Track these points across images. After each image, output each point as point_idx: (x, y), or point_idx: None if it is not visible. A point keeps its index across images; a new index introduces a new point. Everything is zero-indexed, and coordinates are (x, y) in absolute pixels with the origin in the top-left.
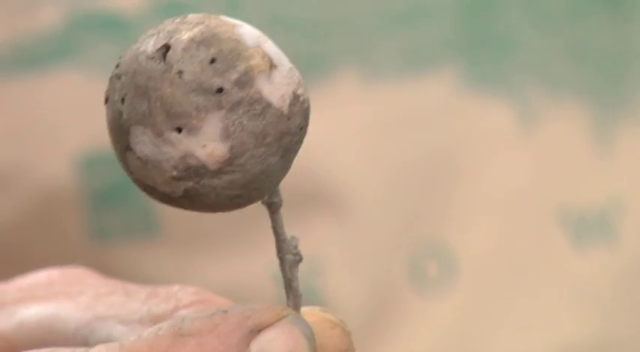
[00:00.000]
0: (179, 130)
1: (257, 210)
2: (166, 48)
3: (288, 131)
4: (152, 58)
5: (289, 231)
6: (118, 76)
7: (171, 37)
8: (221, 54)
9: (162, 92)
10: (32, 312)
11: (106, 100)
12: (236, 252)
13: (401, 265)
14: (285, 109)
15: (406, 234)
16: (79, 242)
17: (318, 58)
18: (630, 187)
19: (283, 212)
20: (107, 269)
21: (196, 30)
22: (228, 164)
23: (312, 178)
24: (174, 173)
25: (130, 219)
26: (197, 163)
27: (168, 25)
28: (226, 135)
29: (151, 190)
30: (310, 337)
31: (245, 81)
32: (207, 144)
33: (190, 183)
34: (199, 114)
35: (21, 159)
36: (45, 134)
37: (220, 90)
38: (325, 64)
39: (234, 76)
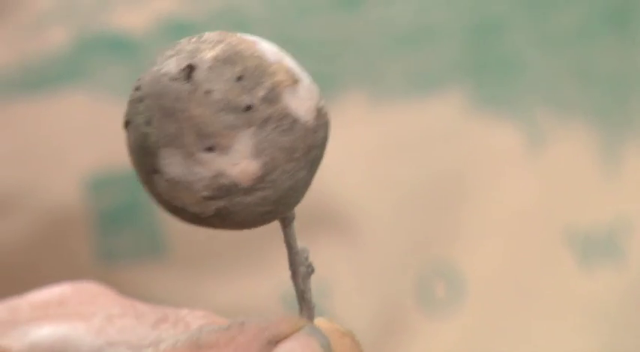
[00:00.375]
0: (210, 150)
1: (264, 232)
2: (191, 68)
3: (314, 144)
4: (176, 78)
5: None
6: (140, 99)
7: (194, 57)
8: (247, 71)
9: (191, 113)
10: (45, 333)
11: (127, 124)
12: (244, 274)
13: (408, 286)
14: (311, 123)
15: (413, 255)
16: (87, 263)
17: (326, 79)
18: (637, 207)
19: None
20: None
21: (218, 48)
22: (260, 181)
23: (320, 199)
24: (206, 193)
25: (138, 241)
26: (229, 182)
27: (187, 44)
28: (257, 152)
29: (180, 211)
30: (327, 348)
31: (272, 97)
32: (239, 162)
33: (222, 203)
34: (230, 133)
35: (29, 181)
36: (53, 155)
37: (249, 107)
38: (333, 85)
39: (261, 92)
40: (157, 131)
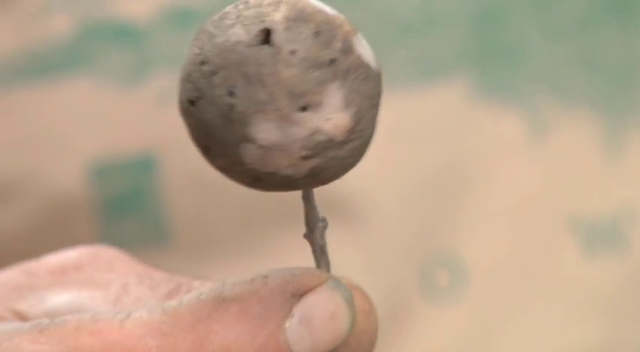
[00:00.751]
0: (304, 109)
1: (267, 218)
2: (267, 32)
3: (381, 90)
4: (253, 45)
5: (296, 240)
6: (212, 72)
7: (262, 21)
8: (320, 26)
9: (281, 75)
10: (62, 300)
11: (194, 101)
12: (247, 260)
13: (412, 273)
14: (377, 69)
15: (418, 243)
16: None
17: None
18: None
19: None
20: None
21: (284, 9)
22: (351, 132)
23: (325, 187)
24: (303, 153)
25: (141, 228)
26: (325, 138)
27: (242, 10)
28: (346, 103)
29: (267, 178)
30: (350, 301)
31: (347, 48)
32: (332, 116)
33: (317, 160)
34: (320, 89)
35: (32, 168)
36: (56, 142)
37: (332, 61)
38: None
39: (338, 44)
40: (244, 100)
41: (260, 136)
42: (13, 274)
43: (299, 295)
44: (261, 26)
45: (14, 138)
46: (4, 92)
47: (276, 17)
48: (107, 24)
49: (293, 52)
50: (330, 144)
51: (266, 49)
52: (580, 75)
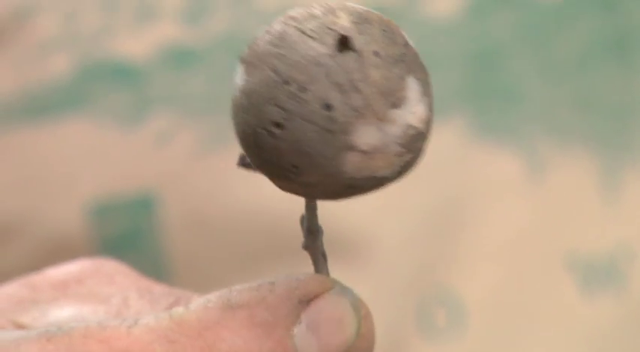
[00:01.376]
0: (395, 106)
1: (267, 255)
2: (344, 39)
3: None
4: (334, 54)
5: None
6: (301, 90)
7: (331, 29)
8: (381, 25)
9: (371, 78)
10: (65, 314)
11: (279, 124)
12: None
13: (410, 311)
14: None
15: (416, 280)
16: None
17: None
18: (638, 234)
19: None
20: None
21: (344, 16)
22: (429, 122)
23: (326, 225)
24: (399, 150)
25: (141, 267)
26: (415, 132)
27: (303, 25)
28: (421, 95)
29: (363, 182)
30: (357, 307)
31: (405, 41)
32: (415, 109)
33: (409, 155)
34: (403, 84)
35: (32, 208)
36: (56, 182)
37: (403, 55)
38: None
39: (400, 39)
40: (342, 109)
41: (361, 141)
42: (16, 287)
43: (306, 301)
44: (334, 35)
45: (14, 178)
46: (3, 132)
47: (345, 24)
48: (106, 64)
49: (376, 53)
50: (418, 137)
51: (350, 55)
52: (577, 114)
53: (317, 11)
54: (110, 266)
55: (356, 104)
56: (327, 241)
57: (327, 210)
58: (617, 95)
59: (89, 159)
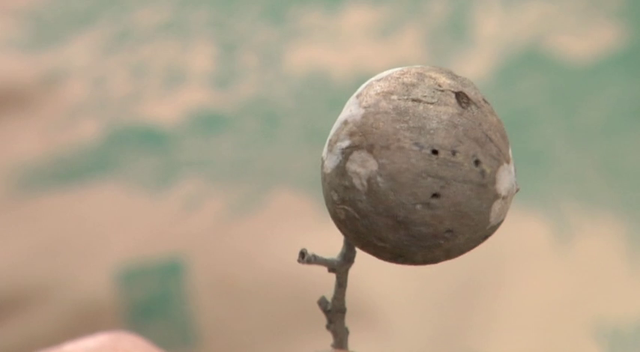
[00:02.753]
0: (508, 145)
1: (295, 323)
2: (459, 96)
3: None
4: (460, 112)
5: (323, 345)
6: (452, 153)
7: (443, 90)
8: (451, 74)
9: (494, 124)
10: None
11: (437, 195)
12: None
13: None
14: None
15: (441, 349)
16: None
17: None
18: None
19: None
20: None
21: (441, 75)
22: None
23: (349, 292)
24: (517, 187)
25: (169, 332)
26: (514, 170)
27: (411, 93)
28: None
29: (493, 230)
30: None
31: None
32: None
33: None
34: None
35: (61, 272)
36: (84, 247)
37: (485, 101)
38: None
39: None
40: (486, 161)
41: (502, 188)
42: None
43: None
44: (449, 94)
45: (42, 241)
46: (33, 196)
47: (447, 81)
48: (134, 129)
49: (486, 101)
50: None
51: (471, 109)
52: (604, 180)
53: (408, 79)
54: (128, 341)
55: (493, 152)
56: (348, 308)
57: (350, 275)
58: None
59: (118, 224)
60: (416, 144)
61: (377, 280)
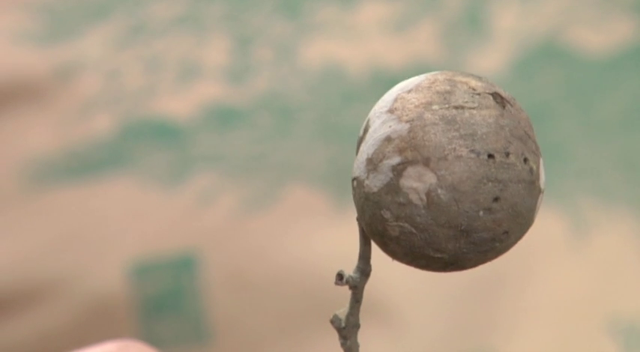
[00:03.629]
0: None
1: (308, 320)
2: (495, 96)
3: None
4: (501, 113)
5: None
6: (505, 155)
7: (478, 93)
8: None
9: (525, 119)
10: None
11: (497, 199)
12: None
13: None
14: None
15: (455, 345)
16: None
17: None
18: None
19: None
20: None
21: (470, 79)
22: None
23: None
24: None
25: (182, 327)
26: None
27: (450, 100)
28: None
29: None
30: None
31: None
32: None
33: None
34: None
35: (74, 266)
36: (97, 241)
37: None
38: None
39: None
40: (531, 158)
41: (542, 182)
42: None
43: None
44: (486, 96)
45: (56, 236)
46: (46, 190)
47: (478, 83)
48: (148, 123)
49: (513, 98)
50: None
51: (508, 108)
52: (621, 175)
53: (440, 87)
54: (136, 349)
55: (533, 148)
56: (362, 305)
57: None
58: None
59: (131, 218)
60: (472, 151)
61: (390, 276)
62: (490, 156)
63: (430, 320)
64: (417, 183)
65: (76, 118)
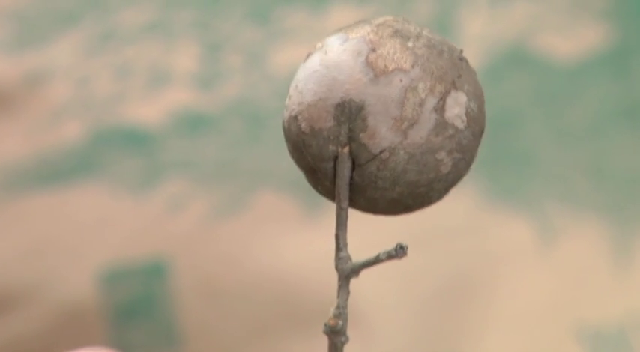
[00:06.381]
0: None
1: (280, 325)
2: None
3: None
4: (461, 58)
5: (308, 346)
6: (460, 52)
7: (409, 22)
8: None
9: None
10: None
11: (482, 132)
12: None
13: None
14: None
15: (426, 351)
16: None
17: None
18: None
19: (306, 329)
20: None
21: (422, 31)
22: None
23: (331, 294)
24: None
25: (153, 333)
26: None
27: (408, 30)
28: None
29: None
30: None
31: None
32: None
33: None
34: None
35: (44, 273)
36: (68, 248)
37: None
38: None
39: None
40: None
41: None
42: None
43: None
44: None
45: (25, 243)
46: (16, 198)
47: (422, 31)
48: (118, 129)
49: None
50: None
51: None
52: (589, 182)
53: (389, 29)
54: None
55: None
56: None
57: (335, 279)
58: (630, 162)
59: (102, 225)
60: (460, 59)
61: (359, 283)
62: (460, 59)
63: (399, 326)
64: (456, 107)
65: (46, 125)
